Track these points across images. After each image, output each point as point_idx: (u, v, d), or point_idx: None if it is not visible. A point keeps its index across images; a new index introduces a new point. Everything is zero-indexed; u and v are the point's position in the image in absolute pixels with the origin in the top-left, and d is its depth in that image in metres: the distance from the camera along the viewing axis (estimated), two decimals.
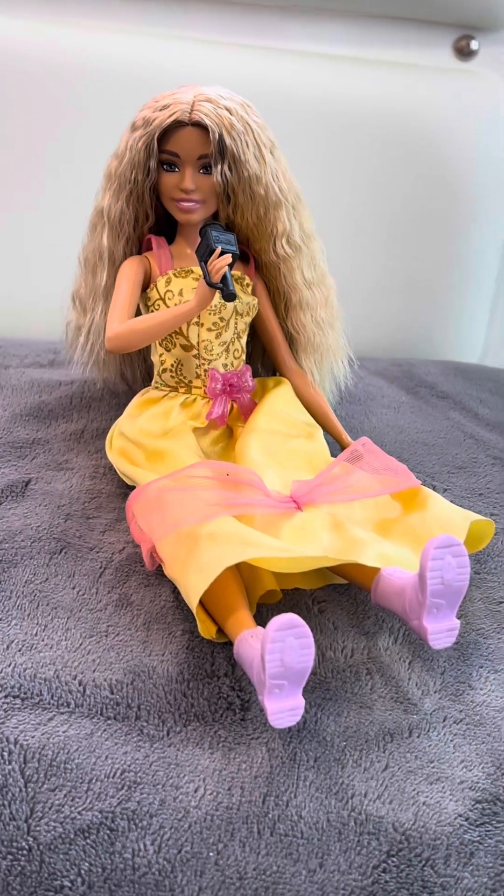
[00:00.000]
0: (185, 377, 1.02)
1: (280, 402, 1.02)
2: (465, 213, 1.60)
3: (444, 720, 0.73)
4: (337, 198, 1.55)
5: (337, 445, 1.08)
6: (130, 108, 0.98)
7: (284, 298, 1.05)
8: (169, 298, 0.99)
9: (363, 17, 1.56)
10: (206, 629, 0.77)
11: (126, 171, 0.96)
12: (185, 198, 0.96)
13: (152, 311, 1.00)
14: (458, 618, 0.75)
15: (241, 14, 1.54)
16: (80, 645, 0.77)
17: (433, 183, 1.58)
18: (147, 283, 1.01)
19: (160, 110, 0.93)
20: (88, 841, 0.61)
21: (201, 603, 0.77)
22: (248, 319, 1.04)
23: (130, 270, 1.00)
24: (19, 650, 0.76)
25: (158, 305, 1.00)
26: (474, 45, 1.60)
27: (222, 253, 0.91)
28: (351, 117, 1.53)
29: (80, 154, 1.46)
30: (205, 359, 1.00)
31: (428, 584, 0.70)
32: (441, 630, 0.72)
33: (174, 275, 0.99)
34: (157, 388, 1.04)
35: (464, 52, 1.61)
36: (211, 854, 0.61)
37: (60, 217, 1.47)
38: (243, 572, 0.81)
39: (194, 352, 1.00)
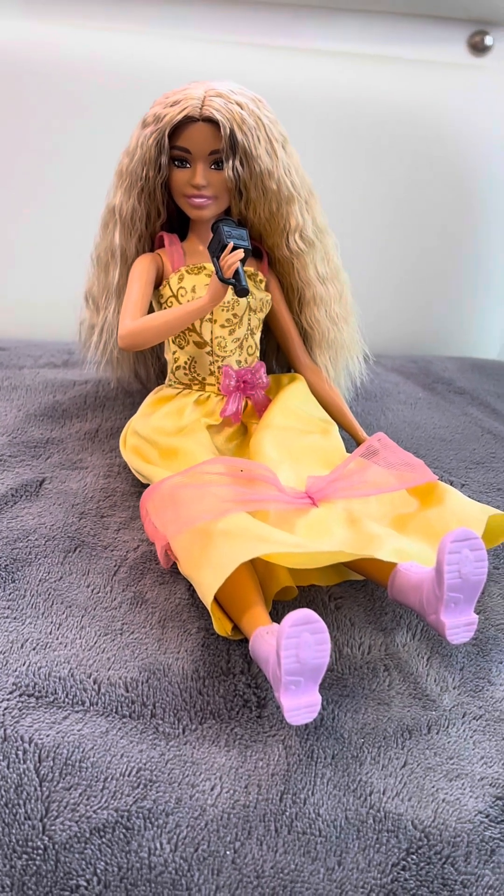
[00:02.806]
0: (198, 374, 1.01)
1: (295, 399, 1.01)
2: (482, 208, 1.59)
3: (463, 716, 0.72)
4: (351, 194, 1.54)
5: (352, 441, 1.07)
6: (142, 109, 0.98)
7: (298, 294, 1.04)
8: (182, 295, 0.99)
9: (376, 13, 1.55)
10: (221, 626, 0.76)
11: (137, 167, 0.96)
12: (197, 194, 0.95)
13: (165, 308, 0.99)
14: (477, 613, 0.74)
15: (252, 13, 1.53)
16: (95, 643, 0.76)
17: (448, 179, 1.57)
18: (160, 281, 1.01)
19: (171, 106, 0.92)
20: (104, 840, 0.61)
21: (216, 600, 0.76)
22: (262, 316, 1.03)
23: (143, 268, 0.99)
24: (34, 649, 0.75)
25: (171, 302, 0.99)
26: (489, 40, 1.58)
27: (234, 248, 0.90)
28: (365, 114, 1.52)
29: (91, 154, 1.46)
30: (218, 355, 1.00)
31: (445, 578, 0.69)
32: (459, 625, 0.72)
33: (187, 271, 0.99)
34: (170, 385, 1.04)
35: (478, 48, 1.59)
36: (228, 853, 0.61)
37: (71, 217, 1.47)
38: (258, 569, 0.80)
39: (208, 349, 1.00)
